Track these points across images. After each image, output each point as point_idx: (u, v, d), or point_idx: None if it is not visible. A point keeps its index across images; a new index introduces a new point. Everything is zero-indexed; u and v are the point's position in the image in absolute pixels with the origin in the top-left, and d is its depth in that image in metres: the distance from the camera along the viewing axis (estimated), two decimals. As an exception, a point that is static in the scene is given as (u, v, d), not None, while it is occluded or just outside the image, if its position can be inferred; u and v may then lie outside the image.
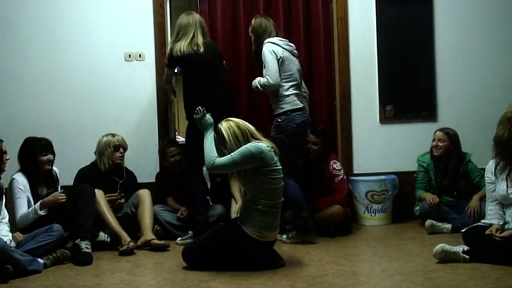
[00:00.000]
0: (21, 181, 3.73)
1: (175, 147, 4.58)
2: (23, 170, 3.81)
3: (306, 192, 4.22)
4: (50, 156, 3.88)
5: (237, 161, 3.30)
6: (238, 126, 3.40)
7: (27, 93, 4.83)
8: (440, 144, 4.46)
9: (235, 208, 4.34)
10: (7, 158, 3.50)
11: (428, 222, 4.24)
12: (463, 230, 3.63)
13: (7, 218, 3.49)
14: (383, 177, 4.74)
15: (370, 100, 4.92)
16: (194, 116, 3.66)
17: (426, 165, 4.54)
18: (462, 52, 4.93)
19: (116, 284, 3.13)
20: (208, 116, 3.60)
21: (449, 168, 4.48)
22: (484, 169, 3.75)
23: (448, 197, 4.49)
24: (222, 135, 3.39)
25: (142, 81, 4.85)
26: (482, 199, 4.13)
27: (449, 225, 4.22)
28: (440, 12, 4.91)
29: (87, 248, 3.70)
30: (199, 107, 3.68)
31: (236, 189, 4.46)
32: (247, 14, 4.91)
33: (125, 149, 4.39)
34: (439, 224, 4.23)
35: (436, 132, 4.54)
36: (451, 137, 4.47)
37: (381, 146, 4.91)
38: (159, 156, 4.73)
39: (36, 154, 3.82)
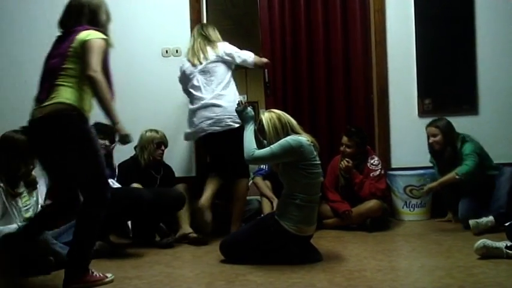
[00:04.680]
0: None
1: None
2: None
3: None
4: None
5: (275, 154, 3.29)
6: (279, 119, 3.40)
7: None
8: (435, 139, 4.35)
9: (268, 207, 4.34)
10: None
11: (472, 222, 3.95)
12: (506, 224, 3.54)
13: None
14: (422, 171, 4.66)
15: (408, 93, 4.84)
16: (236, 108, 3.68)
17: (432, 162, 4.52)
18: (504, 43, 4.80)
19: (155, 276, 3.18)
20: (249, 109, 3.60)
21: (446, 159, 4.32)
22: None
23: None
24: (263, 126, 3.40)
25: (180, 76, 4.89)
26: (447, 182, 4.13)
27: (489, 218, 3.94)
28: (481, 2, 4.79)
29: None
30: (241, 99, 3.72)
31: (266, 188, 4.48)
32: (290, 5, 4.95)
33: (166, 146, 4.44)
34: (482, 219, 3.95)
35: (426, 128, 4.44)
36: (442, 129, 4.34)
37: (419, 140, 4.80)
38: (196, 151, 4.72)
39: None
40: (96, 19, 3.04)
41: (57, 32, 3.05)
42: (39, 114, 2.88)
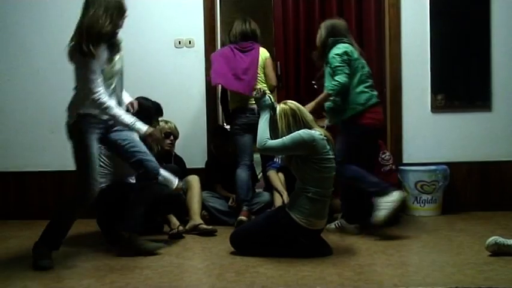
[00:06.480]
0: None
1: (220, 140, 4.61)
2: None
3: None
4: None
5: (287, 146, 3.29)
6: (294, 115, 3.38)
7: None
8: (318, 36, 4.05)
9: (280, 201, 4.33)
10: None
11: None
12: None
13: None
14: (433, 167, 4.64)
15: (421, 88, 4.81)
16: (254, 95, 3.68)
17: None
18: (520, 40, 4.76)
19: (165, 267, 3.20)
20: (267, 97, 3.59)
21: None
22: None
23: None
24: (277, 117, 3.40)
25: (192, 68, 4.89)
26: (322, 101, 3.92)
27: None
28: (497, -2, 4.75)
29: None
30: (260, 87, 3.72)
31: (278, 182, 4.47)
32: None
33: (176, 137, 4.46)
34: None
35: None
36: (324, 26, 4.01)
37: (431, 136, 4.81)
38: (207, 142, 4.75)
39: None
40: (258, 38, 4.40)
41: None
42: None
